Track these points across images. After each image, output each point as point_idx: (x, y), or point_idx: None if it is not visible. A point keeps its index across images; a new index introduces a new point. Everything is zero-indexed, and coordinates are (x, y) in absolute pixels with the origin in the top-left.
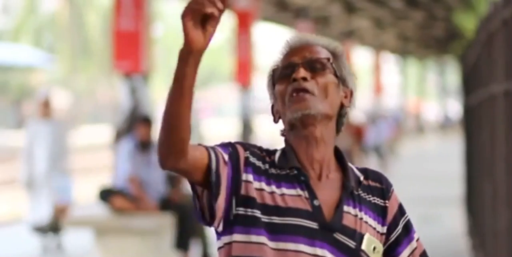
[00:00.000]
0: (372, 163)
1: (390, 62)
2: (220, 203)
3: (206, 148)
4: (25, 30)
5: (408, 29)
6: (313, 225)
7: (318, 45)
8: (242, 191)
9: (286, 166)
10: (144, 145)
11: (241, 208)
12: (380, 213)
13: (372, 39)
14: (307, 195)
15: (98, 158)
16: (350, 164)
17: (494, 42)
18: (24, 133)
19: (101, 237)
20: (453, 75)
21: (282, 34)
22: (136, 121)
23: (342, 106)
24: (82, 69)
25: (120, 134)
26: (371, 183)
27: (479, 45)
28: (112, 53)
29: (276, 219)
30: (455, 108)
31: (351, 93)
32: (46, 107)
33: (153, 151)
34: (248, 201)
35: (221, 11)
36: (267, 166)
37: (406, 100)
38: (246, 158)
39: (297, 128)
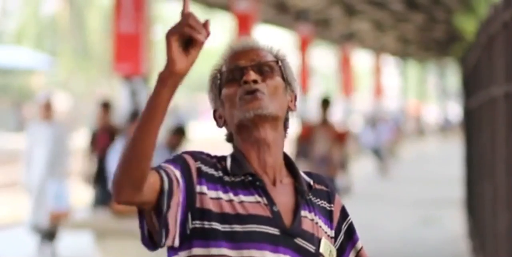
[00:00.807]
0: (371, 166)
1: (390, 65)
2: (172, 216)
3: (157, 171)
4: (26, 32)
5: (408, 31)
6: (275, 231)
7: (263, 49)
8: (197, 204)
9: (240, 173)
10: None
11: (197, 222)
12: (328, 217)
13: (372, 41)
14: (265, 201)
15: None
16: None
17: (495, 45)
18: (25, 135)
19: (101, 240)
20: (453, 78)
21: (282, 37)
22: (128, 122)
23: (287, 110)
24: (83, 71)
25: (94, 139)
26: (317, 186)
27: (479, 47)
28: (112, 56)
29: (238, 227)
30: (455, 110)
31: (295, 98)
32: (47, 110)
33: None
34: (204, 214)
35: (207, 37)
36: (220, 173)
37: (406, 103)
38: (198, 169)
39: (247, 131)
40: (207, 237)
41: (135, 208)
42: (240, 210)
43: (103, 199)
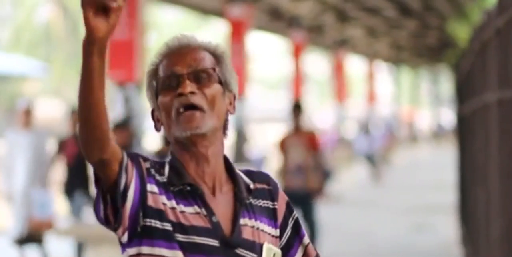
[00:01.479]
0: (364, 172)
1: (383, 71)
2: (126, 210)
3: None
4: (20, 39)
5: (401, 38)
6: (215, 242)
7: (200, 48)
8: (150, 202)
9: (178, 183)
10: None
11: (150, 220)
12: (272, 216)
13: (365, 48)
14: (204, 212)
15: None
16: (238, 171)
17: (488, 51)
18: (3, 143)
19: (93, 247)
20: (446, 84)
21: (275, 43)
22: (113, 127)
23: (226, 113)
24: (76, 78)
25: (61, 147)
26: (258, 185)
27: (472, 54)
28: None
29: (180, 237)
30: (448, 116)
31: (234, 97)
32: (27, 117)
33: None
34: (157, 213)
35: (120, 6)
36: (164, 179)
37: (399, 109)
38: (147, 169)
39: (184, 145)
40: (159, 237)
41: None
42: (182, 220)
43: (79, 208)
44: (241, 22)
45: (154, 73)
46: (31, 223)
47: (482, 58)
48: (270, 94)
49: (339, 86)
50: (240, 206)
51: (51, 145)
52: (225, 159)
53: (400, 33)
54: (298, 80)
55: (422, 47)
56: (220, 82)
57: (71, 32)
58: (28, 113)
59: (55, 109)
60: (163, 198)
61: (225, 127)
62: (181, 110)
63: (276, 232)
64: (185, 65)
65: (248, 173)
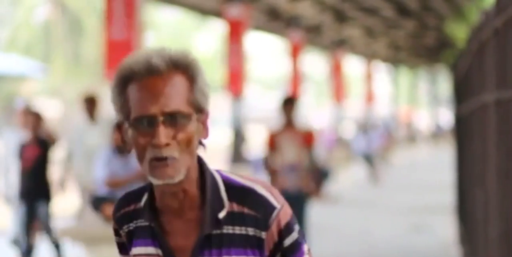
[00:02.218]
0: (362, 173)
1: (381, 71)
2: None
3: None
4: (18, 39)
5: (400, 38)
6: None
7: (171, 71)
8: None
9: (144, 218)
10: (120, 150)
11: None
12: (256, 244)
13: (364, 48)
14: (160, 253)
15: None
16: (221, 187)
17: (486, 51)
18: (1, 143)
19: (92, 247)
20: (444, 84)
21: (274, 43)
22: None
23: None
24: (74, 78)
25: (21, 151)
26: (246, 210)
27: (470, 54)
28: (104, 62)
29: None
30: (446, 117)
31: (207, 116)
32: (25, 117)
33: (130, 154)
34: None
35: None
36: (135, 221)
37: (398, 109)
38: (125, 234)
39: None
40: None
41: None
42: None
43: (29, 218)
44: (239, 22)
45: (121, 91)
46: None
47: (480, 58)
48: (268, 94)
49: (337, 86)
50: (200, 241)
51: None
52: (202, 182)
53: (398, 33)
54: (296, 80)
55: (420, 47)
56: (194, 107)
57: (69, 32)
58: (26, 114)
59: (53, 109)
60: (133, 251)
61: (200, 145)
62: (154, 162)
63: None
64: (158, 105)
65: (240, 194)
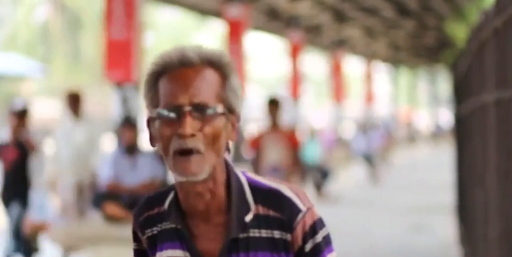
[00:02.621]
0: (362, 173)
1: (381, 71)
2: None
3: None
4: (18, 39)
5: (400, 38)
6: None
7: (204, 66)
8: None
9: (170, 222)
10: (130, 149)
11: None
12: (282, 247)
13: (364, 48)
14: (188, 256)
15: None
16: (246, 190)
17: (485, 51)
18: None
19: (92, 247)
20: (444, 84)
21: (273, 43)
22: (120, 126)
23: (227, 142)
24: (74, 78)
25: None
26: (272, 213)
27: (470, 54)
28: (104, 63)
29: None
30: (446, 117)
31: (238, 119)
32: (21, 118)
33: (139, 155)
34: None
35: None
36: (159, 225)
37: (398, 109)
38: (147, 239)
39: (179, 182)
40: None
41: (126, 213)
42: None
43: (17, 221)
44: (238, 22)
45: (153, 84)
46: (27, 225)
47: (480, 58)
48: (268, 94)
49: (337, 86)
50: (226, 246)
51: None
52: (228, 185)
53: (398, 33)
54: (296, 80)
55: (420, 47)
56: (224, 105)
57: (69, 32)
58: (23, 115)
59: (52, 109)
60: (157, 255)
61: (226, 149)
62: (177, 157)
63: None
64: (188, 96)
65: (265, 196)
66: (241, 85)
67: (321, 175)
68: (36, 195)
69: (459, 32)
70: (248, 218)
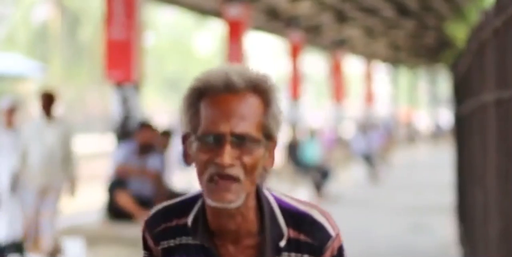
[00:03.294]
0: (362, 172)
1: (381, 71)
2: None
3: None
4: (17, 39)
5: (400, 38)
6: None
7: (248, 91)
8: None
9: (197, 238)
10: (143, 150)
11: None
12: None
13: (364, 48)
14: None
15: (89, 168)
16: (278, 215)
17: (485, 51)
18: None
19: (92, 246)
20: (444, 84)
21: (273, 43)
22: (138, 125)
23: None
24: (74, 78)
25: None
26: (303, 237)
27: (470, 54)
28: (104, 63)
29: None
30: (446, 117)
31: (275, 146)
32: (10, 116)
33: (151, 156)
34: None
35: None
36: (178, 239)
37: (397, 109)
38: (161, 251)
39: (212, 208)
40: None
41: (135, 208)
42: None
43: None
44: (238, 22)
45: (193, 103)
46: (21, 227)
47: (480, 58)
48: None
49: (337, 86)
50: None
51: None
52: (260, 209)
53: (398, 33)
54: (296, 80)
55: (420, 47)
56: (264, 133)
57: (68, 31)
58: (11, 112)
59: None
60: None
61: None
62: (216, 178)
63: None
64: (229, 124)
65: (297, 218)
66: (281, 110)
67: (321, 175)
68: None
69: (459, 32)
70: (283, 243)
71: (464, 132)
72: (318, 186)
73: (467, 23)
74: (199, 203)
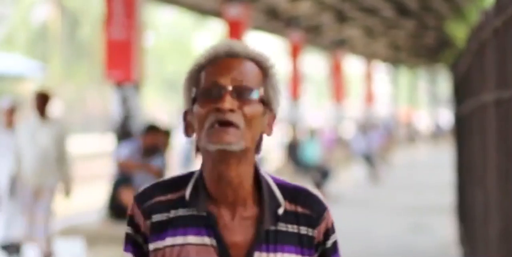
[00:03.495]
0: (362, 172)
1: (381, 71)
2: None
3: None
4: (17, 39)
5: (400, 38)
6: None
7: (249, 59)
8: None
9: (195, 207)
10: (147, 152)
11: None
12: (307, 243)
13: (364, 48)
14: (214, 243)
15: (88, 168)
16: (274, 187)
17: (485, 51)
18: None
19: (92, 246)
20: (444, 84)
21: (273, 43)
22: (145, 128)
23: (262, 134)
24: (74, 78)
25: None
26: (300, 209)
27: (470, 54)
28: (104, 62)
29: None
30: (446, 117)
31: (274, 118)
32: (10, 116)
33: (153, 157)
34: None
35: None
36: (173, 212)
37: (397, 109)
38: (151, 225)
39: (211, 161)
40: None
41: None
42: (183, 256)
43: None
44: (238, 22)
45: (195, 76)
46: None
47: (480, 58)
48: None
49: (337, 86)
50: (258, 238)
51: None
52: (257, 179)
53: (398, 33)
54: (296, 80)
55: (420, 47)
56: (263, 101)
57: (68, 31)
58: (12, 112)
59: (52, 108)
60: (165, 242)
61: (257, 147)
62: (216, 125)
63: None
64: (230, 77)
65: (293, 193)
66: (279, 87)
67: (321, 175)
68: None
69: (459, 32)
70: (280, 211)
71: (464, 132)
72: (318, 186)
73: (467, 23)
74: (196, 175)
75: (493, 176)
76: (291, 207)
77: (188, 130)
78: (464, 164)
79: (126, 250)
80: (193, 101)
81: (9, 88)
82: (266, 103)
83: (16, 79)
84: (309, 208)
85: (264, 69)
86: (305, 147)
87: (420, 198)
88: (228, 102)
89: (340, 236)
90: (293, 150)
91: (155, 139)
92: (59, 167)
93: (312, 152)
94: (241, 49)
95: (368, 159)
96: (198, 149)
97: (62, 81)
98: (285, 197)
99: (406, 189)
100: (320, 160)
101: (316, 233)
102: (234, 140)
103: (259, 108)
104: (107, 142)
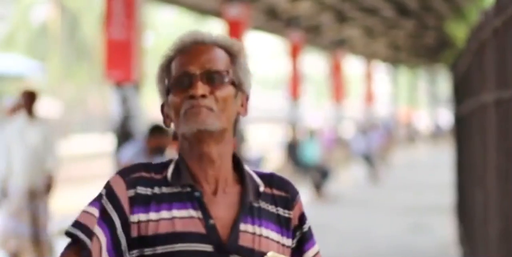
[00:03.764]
0: (361, 172)
1: (381, 71)
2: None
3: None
4: (17, 38)
5: (399, 38)
6: (207, 248)
7: (216, 46)
8: (134, 234)
9: (178, 183)
10: (152, 153)
11: (135, 251)
12: (285, 224)
13: (363, 48)
14: (200, 215)
15: (88, 168)
16: (250, 171)
17: (485, 51)
18: None
19: None
20: (444, 84)
21: (273, 43)
22: (150, 129)
23: (237, 115)
24: (73, 78)
25: None
26: (276, 192)
27: (470, 54)
28: (104, 63)
29: (160, 249)
30: (446, 117)
31: (247, 99)
32: (14, 114)
33: (159, 159)
34: (142, 241)
35: None
36: (156, 188)
37: (397, 109)
38: (131, 198)
39: (190, 144)
40: None
41: None
42: (169, 229)
43: None
44: (238, 22)
45: (166, 68)
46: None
47: (479, 58)
48: (267, 94)
49: (337, 86)
50: (243, 210)
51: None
52: (236, 160)
53: (398, 33)
54: (295, 80)
55: (420, 47)
56: (233, 83)
57: (68, 31)
58: (15, 111)
59: (52, 109)
60: (149, 215)
61: (234, 128)
62: (188, 110)
63: (288, 242)
64: (199, 65)
65: (267, 177)
66: (249, 67)
67: (321, 175)
68: None
69: (459, 32)
70: (262, 189)
71: (464, 132)
72: (318, 186)
73: (467, 23)
74: (175, 159)
75: (493, 176)
76: (267, 190)
77: (166, 121)
78: (464, 164)
79: (93, 205)
80: (167, 92)
81: (9, 88)
82: (237, 85)
83: (16, 79)
84: (284, 190)
85: (232, 53)
86: (304, 147)
87: (420, 198)
88: (200, 88)
89: (340, 236)
90: (292, 150)
91: (159, 141)
92: (47, 166)
93: (312, 152)
94: (207, 36)
95: (368, 159)
96: (176, 138)
97: (62, 81)
98: (262, 181)
99: (406, 189)
100: (319, 160)
101: (292, 215)
102: (209, 121)
103: (230, 90)
104: (107, 142)
